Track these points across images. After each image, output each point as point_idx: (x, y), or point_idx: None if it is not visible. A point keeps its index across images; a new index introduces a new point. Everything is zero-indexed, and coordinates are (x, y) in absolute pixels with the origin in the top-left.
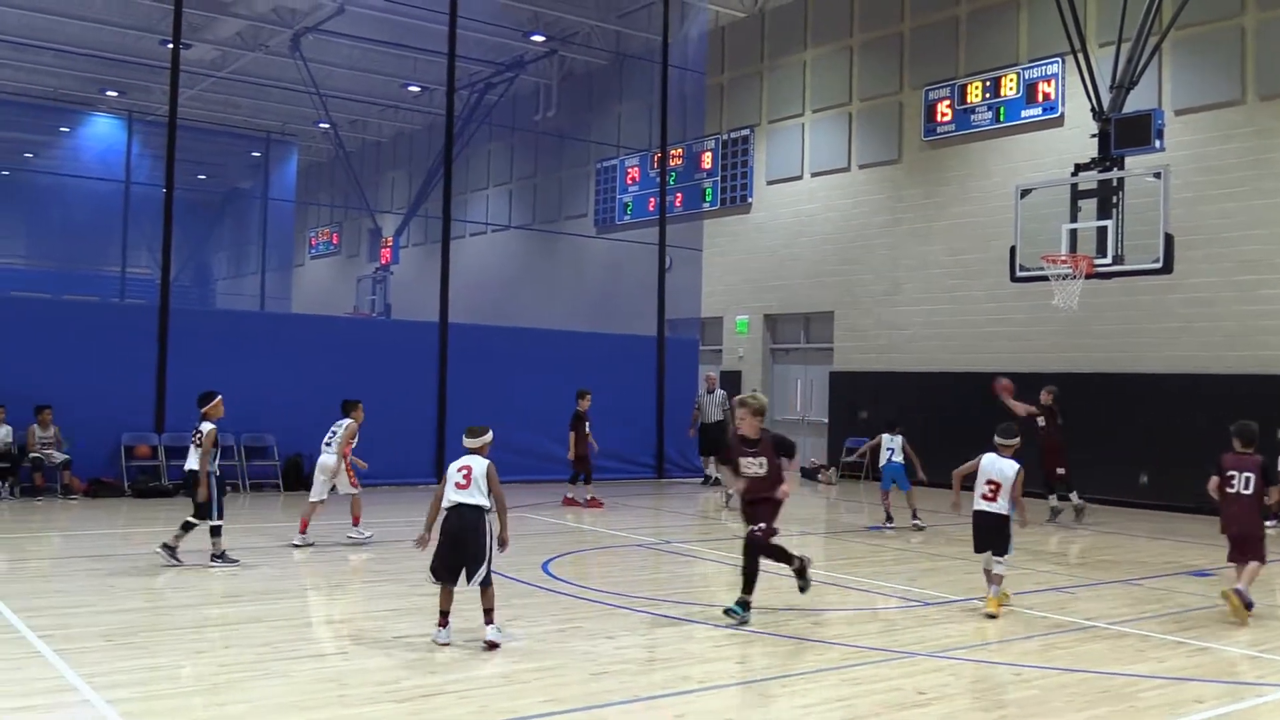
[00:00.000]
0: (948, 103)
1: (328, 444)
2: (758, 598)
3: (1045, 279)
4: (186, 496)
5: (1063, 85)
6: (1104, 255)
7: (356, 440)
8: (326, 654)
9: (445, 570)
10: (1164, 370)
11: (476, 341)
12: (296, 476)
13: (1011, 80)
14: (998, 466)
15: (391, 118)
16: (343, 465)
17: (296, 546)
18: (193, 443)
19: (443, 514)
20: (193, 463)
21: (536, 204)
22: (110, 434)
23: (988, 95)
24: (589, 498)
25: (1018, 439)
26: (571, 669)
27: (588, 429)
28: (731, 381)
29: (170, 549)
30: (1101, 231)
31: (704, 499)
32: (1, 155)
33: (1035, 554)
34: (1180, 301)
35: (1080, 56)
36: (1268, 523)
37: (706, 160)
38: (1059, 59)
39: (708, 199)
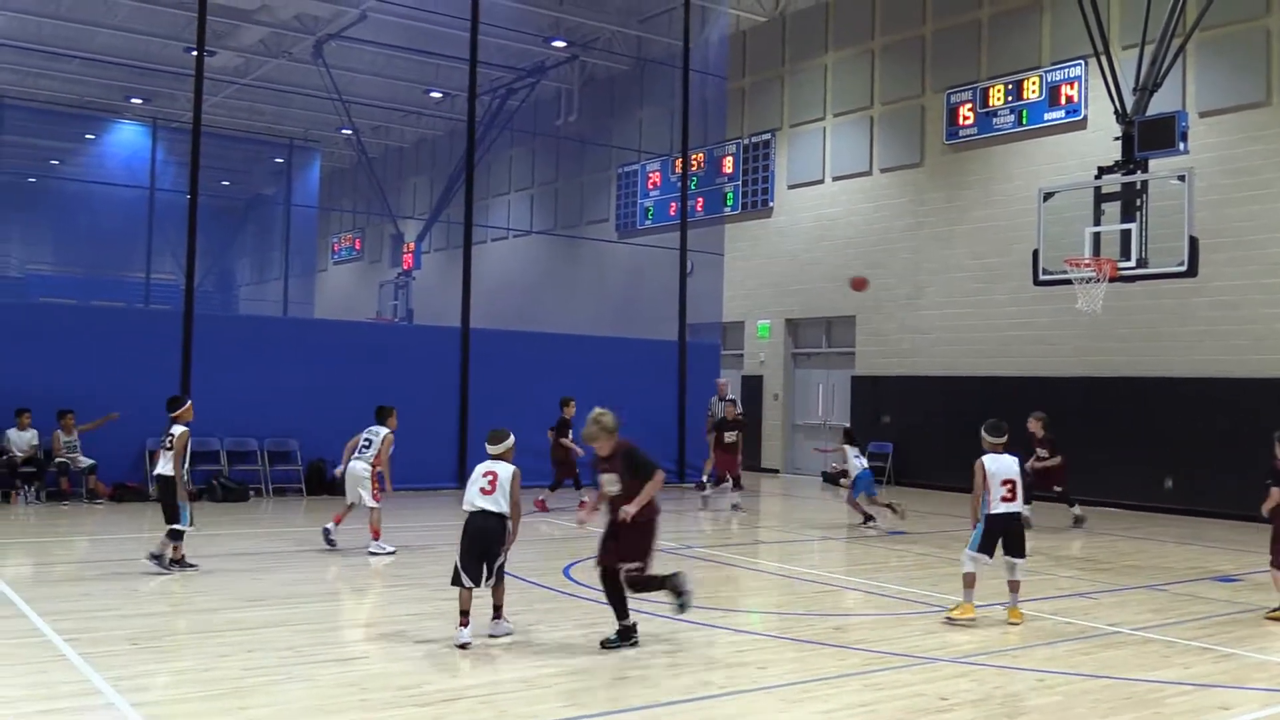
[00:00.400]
0: (970, 106)
1: (364, 451)
2: (773, 602)
3: (1069, 282)
4: (158, 502)
5: (1085, 88)
6: (1128, 258)
7: (391, 449)
8: (349, 658)
9: (473, 569)
10: (1189, 374)
11: (498, 346)
12: (319, 481)
13: (1034, 83)
14: (1007, 464)
15: (413, 123)
16: (368, 476)
17: (374, 555)
18: (163, 447)
19: (465, 515)
20: (164, 468)
21: (558, 209)
22: (135, 439)
23: (1010, 98)
24: (583, 501)
25: (1007, 434)
26: (593, 673)
27: (569, 440)
28: (753, 386)
29: (158, 557)
30: (1125, 234)
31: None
32: (29, 162)
33: (1058, 559)
34: (1205, 305)
35: (1103, 59)
36: None
37: (728, 165)
38: (1082, 61)
39: (729, 203)
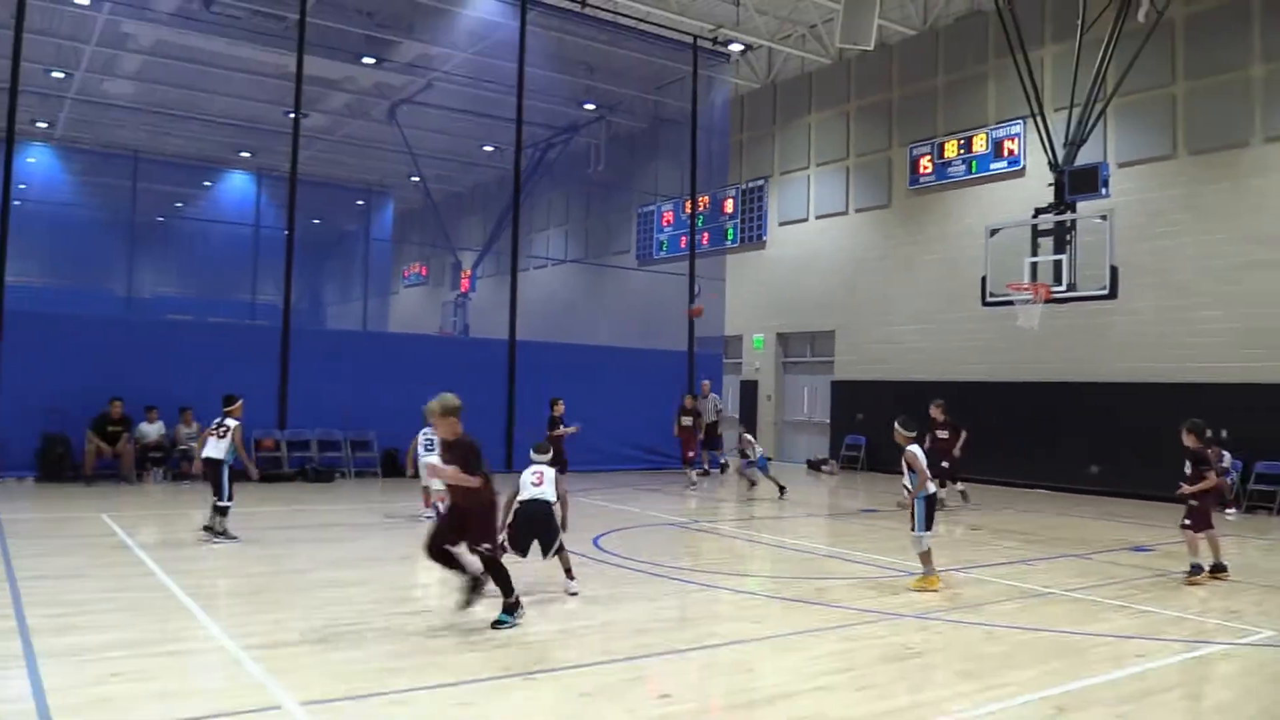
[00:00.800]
0: (929, 157)
1: (429, 447)
2: (766, 568)
3: (1011, 303)
4: (206, 481)
5: (1024, 143)
6: (1060, 284)
7: None
8: (416, 612)
9: (521, 545)
10: (1112, 379)
11: (539, 355)
12: (392, 466)
13: (982, 139)
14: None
15: (470, 172)
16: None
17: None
18: (214, 434)
19: (519, 504)
20: (211, 451)
21: (588, 242)
22: (242, 430)
23: (962, 151)
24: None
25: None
26: (618, 626)
27: (561, 429)
28: (750, 389)
29: (210, 529)
30: (1058, 264)
31: (724, 487)
32: (159, 206)
33: (999, 532)
34: (1124, 322)
35: (1039, 119)
36: (1228, 511)
37: (729, 205)
38: (1021, 121)
39: (730, 237)
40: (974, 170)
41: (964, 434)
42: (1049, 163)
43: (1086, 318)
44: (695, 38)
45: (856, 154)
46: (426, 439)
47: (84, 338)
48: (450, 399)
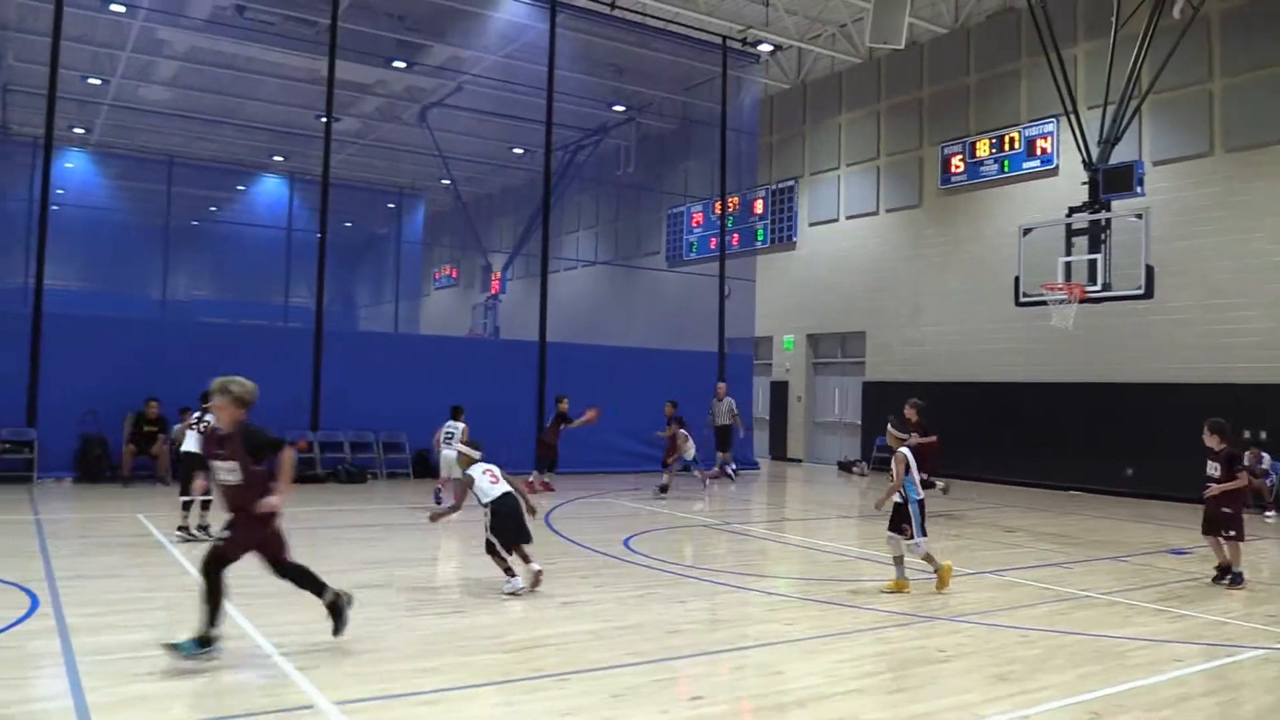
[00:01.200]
0: (960, 157)
1: (448, 441)
2: (797, 569)
3: (1044, 303)
4: (177, 479)
5: (1058, 141)
6: (1094, 283)
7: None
8: (447, 612)
9: (514, 539)
10: (1146, 380)
11: (569, 357)
12: (424, 466)
13: (1014, 137)
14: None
15: (500, 175)
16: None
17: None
18: (194, 428)
19: (492, 504)
20: (189, 446)
21: (618, 243)
22: (275, 431)
23: (994, 150)
24: (544, 481)
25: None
26: (649, 627)
27: (563, 426)
28: (780, 390)
29: (203, 528)
30: (1092, 263)
31: (756, 487)
32: (193, 210)
33: (1033, 534)
34: (1160, 322)
35: (1072, 117)
36: (1267, 514)
37: (759, 206)
38: (1054, 119)
39: (760, 238)
40: (1006, 169)
41: (934, 437)
42: (1083, 161)
43: (1121, 318)
44: (724, 38)
45: (887, 154)
46: (447, 433)
47: (120, 341)
48: (233, 381)
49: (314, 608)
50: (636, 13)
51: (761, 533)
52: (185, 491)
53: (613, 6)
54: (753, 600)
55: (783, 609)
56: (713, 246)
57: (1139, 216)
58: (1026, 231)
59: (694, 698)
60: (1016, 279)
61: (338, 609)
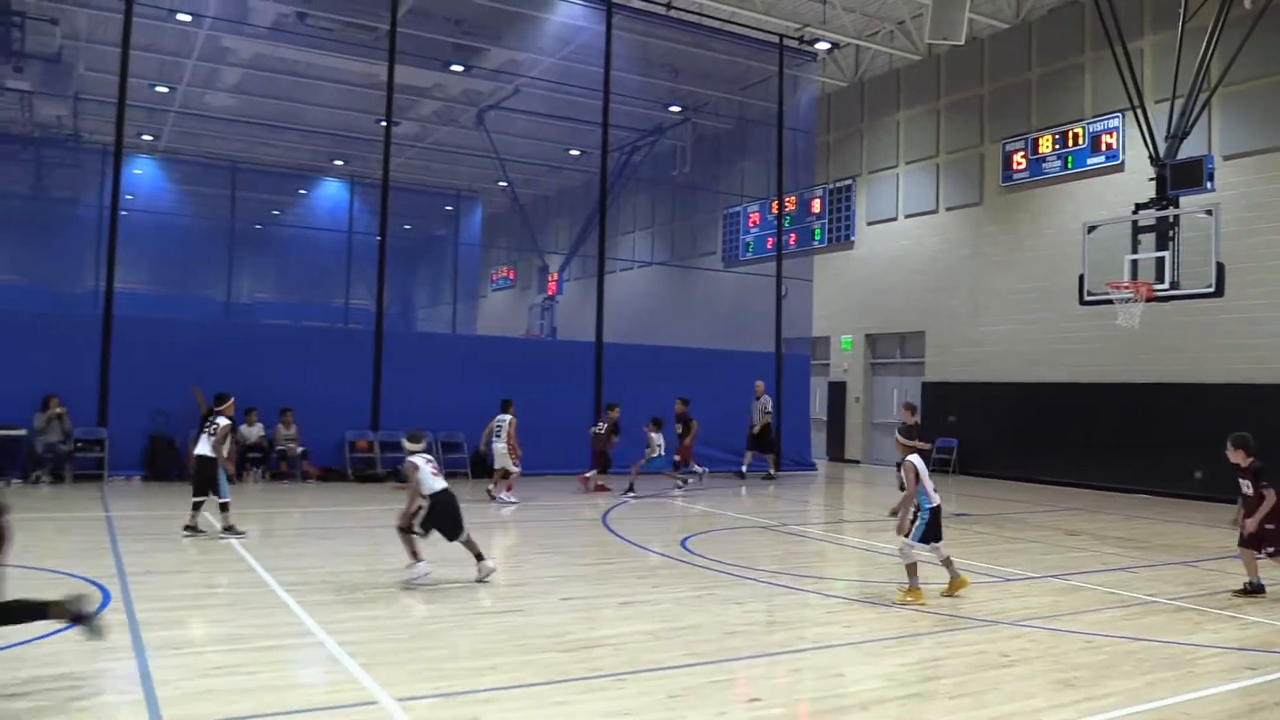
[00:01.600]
0: (1022, 153)
1: (497, 435)
2: (856, 571)
3: (1110, 302)
4: (193, 480)
5: (1123, 136)
6: (1162, 282)
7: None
8: (507, 611)
9: (452, 535)
10: (1217, 380)
11: (626, 357)
12: (482, 465)
13: (1078, 133)
14: (925, 464)
15: (557, 176)
16: (506, 451)
17: (506, 504)
18: (206, 432)
19: (433, 497)
20: (203, 449)
21: (674, 244)
22: (337, 431)
23: (1057, 146)
24: (600, 483)
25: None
26: (707, 629)
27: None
28: (838, 391)
29: (191, 528)
30: (1160, 261)
31: (814, 488)
32: (256, 213)
33: (1099, 538)
34: (1231, 321)
35: (1139, 111)
36: None
37: (816, 205)
38: (1120, 114)
39: (817, 238)
40: (1070, 166)
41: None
42: (1149, 157)
43: (1190, 316)
44: (781, 37)
45: (947, 151)
46: (497, 425)
47: (187, 342)
48: None
49: (378, 604)
50: (693, 13)
51: (819, 534)
52: (216, 492)
53: (669, 7)
54: (811, 602)
55: (841, 611)
56: (769, 246)
57: (1208, 213)
58: (1091, 229)
59: (752, 699)
60: (1081, 277)
61: (79, 616)
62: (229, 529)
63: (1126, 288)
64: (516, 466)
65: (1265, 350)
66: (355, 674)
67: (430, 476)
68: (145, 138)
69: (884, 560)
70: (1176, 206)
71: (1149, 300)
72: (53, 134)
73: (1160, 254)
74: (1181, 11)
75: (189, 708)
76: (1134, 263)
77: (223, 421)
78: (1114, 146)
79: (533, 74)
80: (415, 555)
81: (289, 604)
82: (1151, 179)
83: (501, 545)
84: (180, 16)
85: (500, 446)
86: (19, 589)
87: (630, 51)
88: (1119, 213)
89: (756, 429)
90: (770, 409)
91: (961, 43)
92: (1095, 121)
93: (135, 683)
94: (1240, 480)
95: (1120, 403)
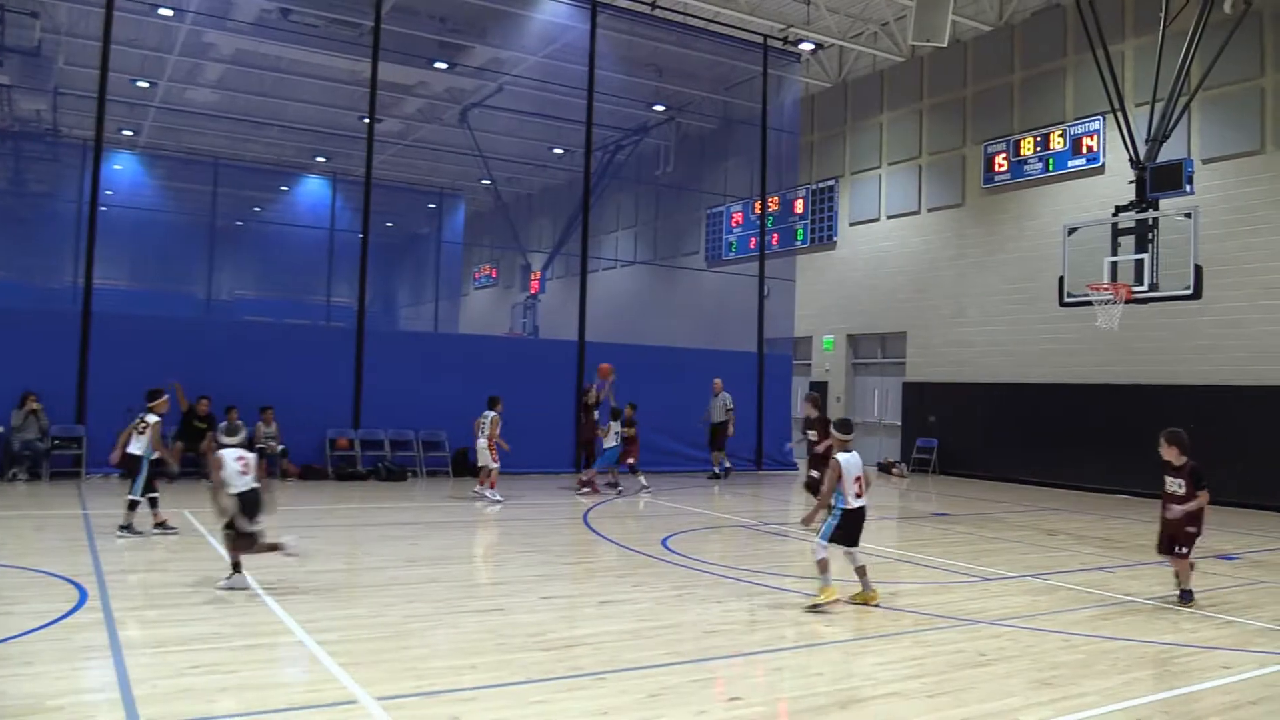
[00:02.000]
0: (1004, 155)
1: (483, 429)
2: (836, 571)
3: (1090, 304)
4: (124, 479)
5: (1104, 139)
6: (1141, 283)
7: (500, 426)
8: (488, 610)
9: (253, 531)
10: (1195, 382)
11: (609, 356)
12: (463, 465)
13: (1059, 136)
14: (857, 461)
15: (540, 175)
16: (487, 447)
17: (492, 501)
18: (136, 430)
19: (238, 495)
20: (134, 447)
21: (657, 243)
22: (318, 429)
23: (1039, 148)
24: (594, 481)
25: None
26: (687, 628)
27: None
28: (819, 390)
29: (126, 527)
30: (1139, 263)
31: (794, 488)
32: (237, 210)
33: (1078, 538)
34: (1209, 323)
35: (1119, 115)
36: None
37: (799, 206)
38: (1100, 117)
39: (800, 238)
40: (1051, 168)
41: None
42: (1130, 159)
43: (1169, 319)
44: (765, 37)
45: (929, 152)
46: (481, 422)
47: (166, 339)
48: None
49: (358, 603)
50: (677, 12)
51: (800, 533)
52: (131, 490)
53: (653, 6)
54: (791, 601)
55: (822, 610)
56: (752, 246)
57: (1188, 215)
58: (1072, 231)
59: (731, 698)
60: (1061, 279)
61: None
62: (126, 527)
63: (1106, 289)
64: (496, 462)
65: (1243, 352)
66: (335, 673)
67: (237, 475)
68: (126, 133)
69: (863, 560)
70: (1156, 209)
71: (1128, 302)
72: (32, 128)
73: (1139, 256)
74: (1162, 16)
75: (167, 706)
76: (1114, 265)
77: (152, 419)
78: (1095, 149)
79: (517, 72)
80: (236, 567)
81: (268, 602)
82: (1131, 181)
83: (483, 544)
84: (162, 11)
85: (481, 443)
86: None
87: (614, 50)
88: (1099, 215)
89: (715, 425)
90: (731, 405)
91: (944, 45)
92: (1076, 124)
93: (112, 682)
94: (1167, 478)
95: (1100, 403)
